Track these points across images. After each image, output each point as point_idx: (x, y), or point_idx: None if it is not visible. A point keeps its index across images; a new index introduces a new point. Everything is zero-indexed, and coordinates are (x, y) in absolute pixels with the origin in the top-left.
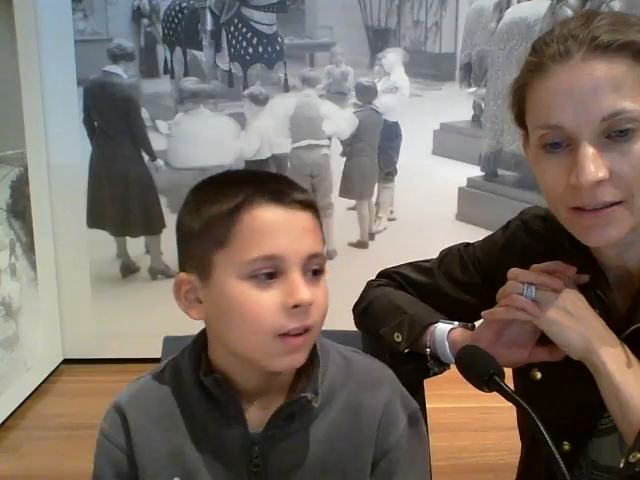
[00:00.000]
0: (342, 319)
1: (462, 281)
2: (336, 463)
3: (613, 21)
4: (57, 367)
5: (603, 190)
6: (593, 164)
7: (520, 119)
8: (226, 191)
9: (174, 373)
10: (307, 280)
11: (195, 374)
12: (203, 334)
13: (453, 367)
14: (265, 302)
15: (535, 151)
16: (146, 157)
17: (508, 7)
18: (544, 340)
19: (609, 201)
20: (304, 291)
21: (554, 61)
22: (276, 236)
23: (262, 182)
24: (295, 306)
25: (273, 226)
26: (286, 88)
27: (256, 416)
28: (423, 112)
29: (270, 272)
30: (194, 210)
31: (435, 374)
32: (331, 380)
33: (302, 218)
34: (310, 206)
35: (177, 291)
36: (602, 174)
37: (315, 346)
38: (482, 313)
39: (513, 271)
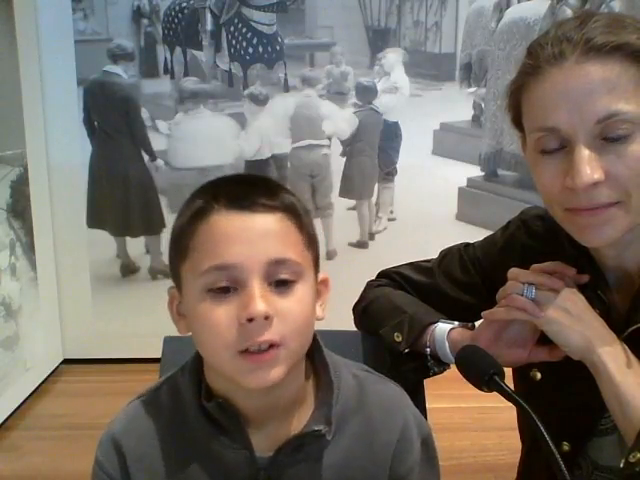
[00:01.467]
0: (342, 319)
1: (462, 281)
2: None
3: (608, 22)
4: (57, 367)
5: (599, 191)
6: (589, 166)
7: (517, 121)
8: (190, 200)
9: (172, 393)
10: (271, 290)
11: (196, 398)
12: (197, 358)
13: (453, 367)
14: (219, 317)
15: (532, 153)
16: (146, 157)
17: (508, 7)
18: (544, 340)
19: (605, 202)
20: (258, 303)
21: (549, 63)
22: (230, 244)
23: (223, 187)
24: (250, 319)
25: (227, 233)
26: (286, 88)
27: (262, 440)
28: (423, 112)
29: (225, 286)
30: (175, 219)
31: (435, 374)
32: (344, 404)
33: (264, 221)
34: (277, 208)
35: (170, 305)
36: (598, 176)
37: (329, 370)
38: (482, 313)
39: (513, 271)
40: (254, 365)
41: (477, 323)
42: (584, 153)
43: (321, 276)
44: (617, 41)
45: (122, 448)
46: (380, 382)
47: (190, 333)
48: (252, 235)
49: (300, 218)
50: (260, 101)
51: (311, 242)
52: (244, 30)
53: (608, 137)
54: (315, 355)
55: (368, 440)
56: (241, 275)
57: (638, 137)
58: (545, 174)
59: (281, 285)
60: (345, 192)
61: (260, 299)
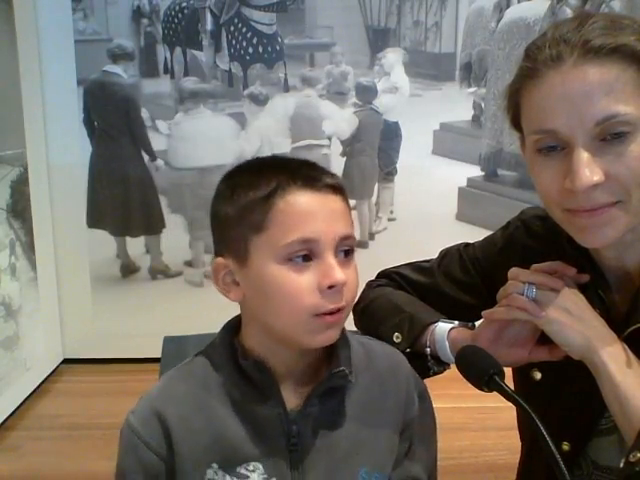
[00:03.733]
0: None
1: (462, 281)
2: (368, 440)
3: (605, 24)
4: (57, 367)
5: (599, 192)
6: (588, 168)
7: (516, 122)
8: (260, 177)
9: (204, 363)
10: (339, 261)
11: (231, 359)
12: (230, 324)
13: (453, 367)
14: (302, 284)
15: (531, 155)
16: (146, 157)
17: (508, 7)
18: (544, 340)
19: (605, 202)
20: (338, 272)
21: (547, 66)
22: (310, 220)
23: (294, 168)
24: (330, 287)
25: (307, 211)
26: (286, 88)
27: (292, 396)
28: (423, 112)
29: (305, 254)
30: (228, 196)
31: (435, 374)
32: (356, 361)
33: (333, 202)
34: (340, 190)
35: (215, 275)
36: (597, 178)
37: (344, 328)
38: (483, 312)
39: (513, 271)
40: (326, 324)
41: (477, 323)
42: (583, 155)
43: None
44: (615, 43)
45: (163, 414)
46: (380, 345)
47: (239, 300)
48: (327, 213)
49: (347, 200)
50: (260, 101)
51: (352, 220)
52: (244, 30)
53: (607, 138)
54: None
55: (380, 393)
56: (318, 248)
57: (637, 137)
58: (544, 175)
59: (344, 257)
60: None
61: (339, 269)
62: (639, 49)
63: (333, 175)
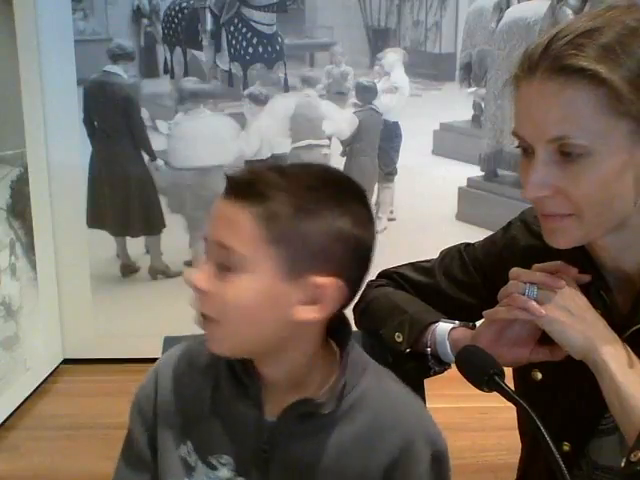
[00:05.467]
0: None
1: (462, 281)
2: (341, 477)
3: (605, 43)
4: (57, 367)
5: (550, 202)
6: (538, 181)
7: None
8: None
9: (204, 351)
10: (214, 271)
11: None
12: None
13: (453, 367)
14: None
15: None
16: (146, 157)
17: (508, 7)
18: (545, 340)
19: (557, 212)
20: (193, 274)
21: (522, 76)
22: (209, 222)
23: (232, 176)
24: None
25: (211, 214)
26: (286, 88)
27: (275, 404)
28: (423, 112)
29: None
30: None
31: (436, 374)
32: (361, 393)
33: (228, 207)
34: (244, 197)
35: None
36: (543, 193)
37: (347, 360)
38: (483, 312)
39: (514, 271)
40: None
41: (478, 323)
42: (536, 167)
43: None
44: (580, 65)
45: (159, 378)
46: (405, 394)
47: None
48: (216, 217)
49: (257, 205)
50: (260, 101)
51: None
52: (244, 30)
53: (564, 152)
54: (344, 340)
55: (371, 437)
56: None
57: (590, 161)
58: (522, 174)
59: (220, 270)
60: None
61: (201, 273)
62: (603, 76)
63: (251, 184)
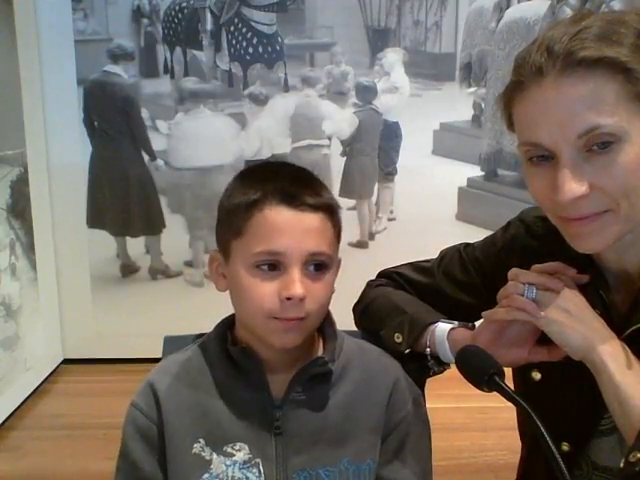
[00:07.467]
0: (342, 319)
1: (462, 281)
2: (352, 430)
3: (597, 32)
4: (57, 367)
5: (586, 202)
6: (572, 181)
7: (512, 126)
8: (250, 185)
9: (201, 350)
10: (307, 274)
11: (222, 347)
12: (227, 319)
13: (453, 367)
14: (265, 290)
15: (524, 163)
16: (146, 157)
17: (508, 7)
18: (544, 340)
19: (593, 212)
20: (297, 287)
21: (529, 80)
22: (279, 235)
23: (279, 181)
24: (289, 298)
25: (278, 226)
26: (286, 88)
27: (279, 383)
28: (423, 112)
29: (271, 264)
30: (226, 196)
31: (435, 374)
32: (347, 356)
33: (309, 220)
34: (321, 207)
35: (210, 265)
36: (581, 191)
37: (333, 323)
38: (483, 313)
39: (514, 271)
40: (285, 327)
41: (477, 323)
42: (566, 169)
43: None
44: (598, 55)
45: (155, 385)
46: (377, 348)
47: (225, 291)
48: (298, 230)
49: (335, 215)
50: (260, 101)
51: (339, 234)
52: (244, 30)
53: (592, 149)
54: (325, 319)
55: (367, 386)
56: (285, 260)
57: (622, 147)
58: (535, 184)
59: (314, 271)
60: (345, 192)
61: (299, 283)
62: (622, 60)
63: (318, 192)
